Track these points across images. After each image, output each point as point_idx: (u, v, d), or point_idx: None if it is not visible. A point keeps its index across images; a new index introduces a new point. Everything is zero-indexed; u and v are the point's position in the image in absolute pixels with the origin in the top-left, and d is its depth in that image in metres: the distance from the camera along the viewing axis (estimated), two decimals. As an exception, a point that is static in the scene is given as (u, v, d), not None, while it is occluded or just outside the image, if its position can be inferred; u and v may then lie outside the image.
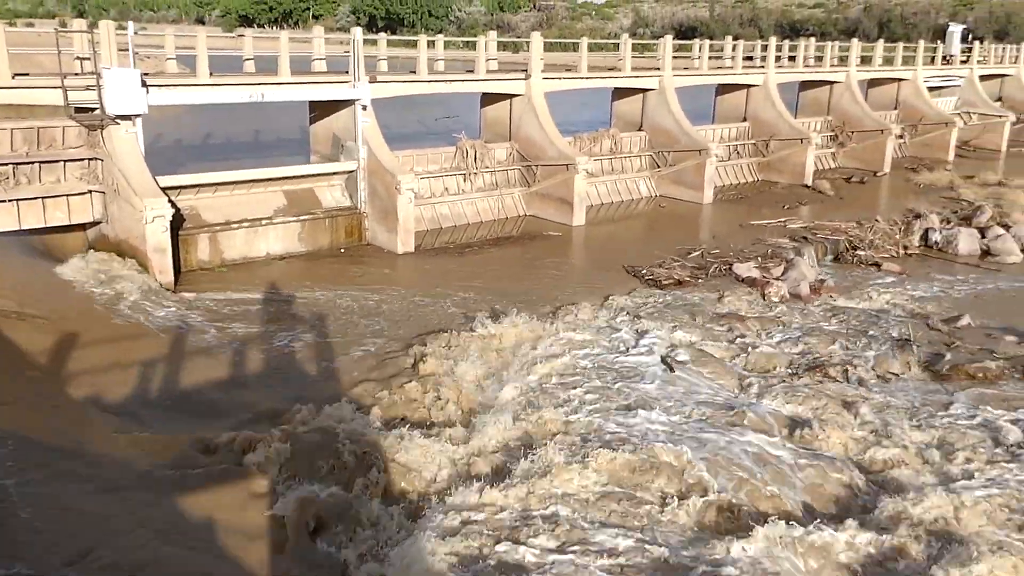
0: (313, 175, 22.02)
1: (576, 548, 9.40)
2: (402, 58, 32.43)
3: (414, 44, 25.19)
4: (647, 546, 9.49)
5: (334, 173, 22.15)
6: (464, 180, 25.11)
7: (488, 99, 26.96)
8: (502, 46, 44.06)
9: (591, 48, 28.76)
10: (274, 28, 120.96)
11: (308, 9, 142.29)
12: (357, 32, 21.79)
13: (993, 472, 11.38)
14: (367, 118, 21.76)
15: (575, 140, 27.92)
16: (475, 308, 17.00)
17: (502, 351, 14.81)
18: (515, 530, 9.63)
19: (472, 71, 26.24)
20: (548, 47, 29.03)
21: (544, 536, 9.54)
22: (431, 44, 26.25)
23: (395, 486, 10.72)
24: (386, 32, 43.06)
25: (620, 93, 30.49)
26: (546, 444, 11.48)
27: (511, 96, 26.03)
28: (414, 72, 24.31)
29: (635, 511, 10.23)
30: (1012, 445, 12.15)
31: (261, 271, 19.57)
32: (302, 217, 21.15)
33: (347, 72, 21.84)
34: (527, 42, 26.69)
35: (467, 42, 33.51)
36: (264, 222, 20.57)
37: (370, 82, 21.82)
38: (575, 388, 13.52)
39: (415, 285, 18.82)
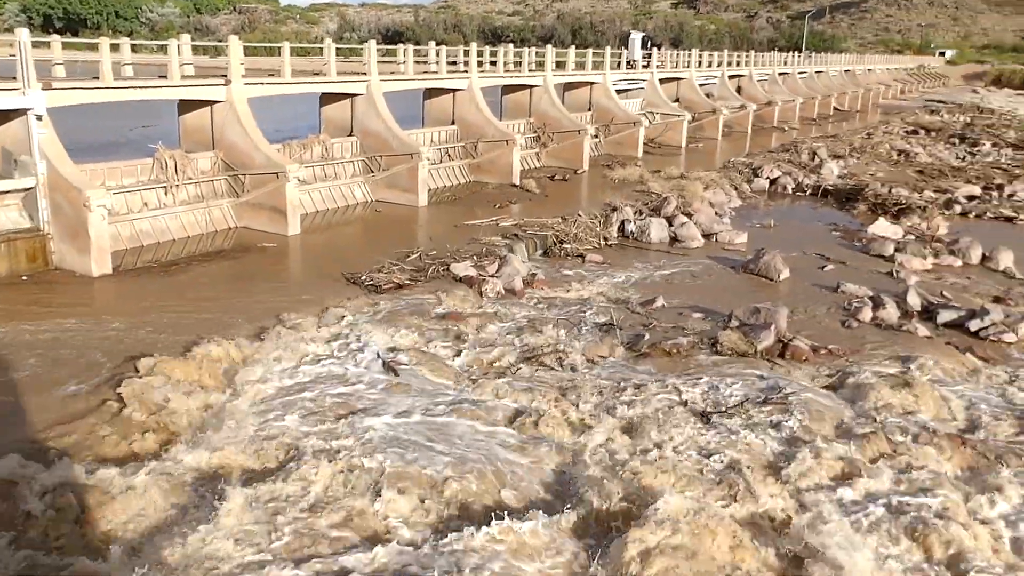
0: (-19, 195, 19.48)
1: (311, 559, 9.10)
2: (86, 62, 29.67)
3: (96, 47, 23.09)
4: (378, 554, 9.41)
5: (7, 191, 19.72)
6: (165, 193, 23.46)
7: (186, 106, 25.41)
8: (201, 50, 41.77)
9: (295, 52, 28.06)
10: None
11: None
12: (23, 33, 19.55)
13: (685, 438, 12.58)
14: (44, 129, 19.62)
15: (284, 147, 27.13)
16: (185, 330, 15.85)
17: (215, 374, 13.97)
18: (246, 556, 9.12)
19: (166, 76, 24.57)
20: (250, 51, 27.97)
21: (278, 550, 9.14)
22: (115, 47, 24.24)
23: (96, 535, 9.72)
24: (66, 34, 39.16)
25: (328, 98, 30.07)
26: (275, 463, 11.04)
27: (212, 103, 24.71)
28: (98, 78, 22.29)
29: (363, 518, 10.09)
30: (701, 412, 13.49)
31: (-79, 308, 16.98)
32: (-30, 243, 18.65)
33: (15, 79, 19.54)
34: (227, 46, 25.46)
35: (160, 45, 31.27)
36: (-79, 252, 17.89)
37: (44, 89, 19.68)
38: (296, 403, 13.11)
39: (115, 310, 17.24)
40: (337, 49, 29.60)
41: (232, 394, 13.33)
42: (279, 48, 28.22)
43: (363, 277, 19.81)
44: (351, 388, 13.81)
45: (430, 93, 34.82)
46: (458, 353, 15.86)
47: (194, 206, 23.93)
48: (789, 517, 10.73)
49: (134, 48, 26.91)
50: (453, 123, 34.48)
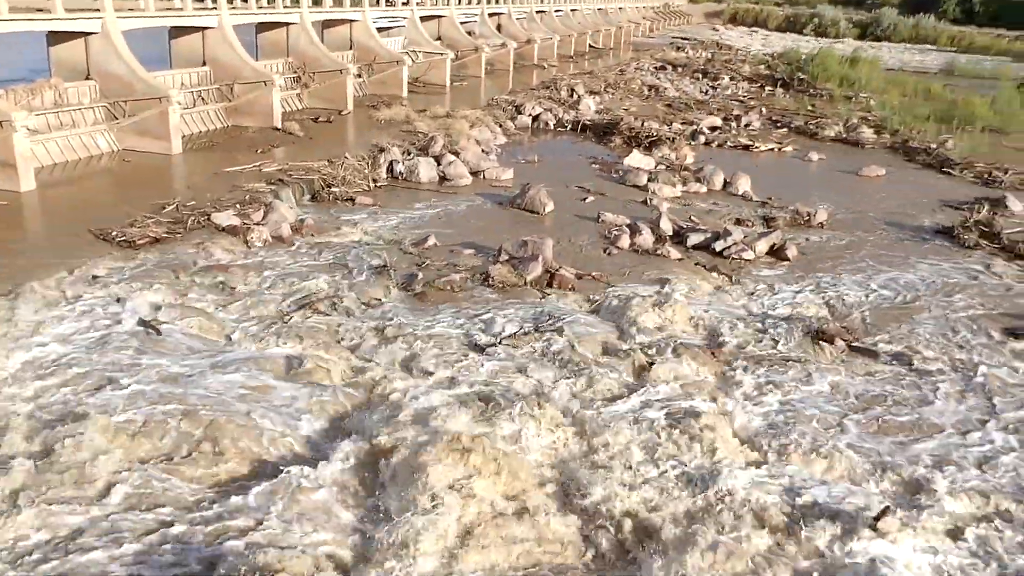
0: None
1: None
2: None
3: None
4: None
5: None
6: None
7: None
8: None
9: (11, -14, 24.94)
10: None
11: None
12: None
13: (461, 370, 12.90)
14: None
15: (8, 93, 24.25)
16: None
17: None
18: None
19: None
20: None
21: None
22: None
23: None
24: None
25: (57, 38, 27.12)
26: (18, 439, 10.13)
27: (-89, 43, 21.60)
28: None
29: (147, 479, 9.56)
30: (476, 344, 13.85)
31: None
32: None
33: None
34: (-77, -23, 22.20)
35: None
36: None
37: None
38: (44, 375, 12.03)
39: None
40: (63, -18, 26.68)
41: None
42: (-8, -20, 25.00)
43: (114, 233, 18.33)
44: (106, 354, 12.84)
45: (177, 32, 32.35)
46: (226, 305, 15.17)
47: (-100, 163, 20.97)
48: (568, 438, 11.31)
49: None
50: (205, 64, 32.30)
